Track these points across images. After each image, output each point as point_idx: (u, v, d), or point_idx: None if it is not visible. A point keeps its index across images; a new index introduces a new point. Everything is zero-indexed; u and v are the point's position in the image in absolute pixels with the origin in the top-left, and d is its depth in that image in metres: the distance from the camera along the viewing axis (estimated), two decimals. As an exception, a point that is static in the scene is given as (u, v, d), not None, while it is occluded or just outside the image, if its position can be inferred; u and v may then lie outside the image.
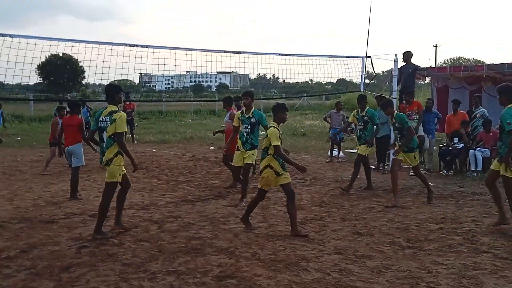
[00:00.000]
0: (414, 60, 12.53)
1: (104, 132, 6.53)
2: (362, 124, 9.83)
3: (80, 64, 64.63)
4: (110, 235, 6.63)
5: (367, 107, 9.92)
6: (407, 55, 12.76)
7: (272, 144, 6.55)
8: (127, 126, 18.01)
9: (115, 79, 10.26)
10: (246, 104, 8.52)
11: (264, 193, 7.01)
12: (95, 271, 5.39)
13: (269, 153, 6.64)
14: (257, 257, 5.78)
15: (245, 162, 8.53)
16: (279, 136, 6.61)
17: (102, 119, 6.59)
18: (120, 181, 6.68)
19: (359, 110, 9.92)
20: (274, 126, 6.72)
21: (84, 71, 65.74)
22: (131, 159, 6.63)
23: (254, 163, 9.07)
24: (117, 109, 6.61)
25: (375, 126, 9.81)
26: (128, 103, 18.62)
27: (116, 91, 6.72)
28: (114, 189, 6.75)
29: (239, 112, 8.74)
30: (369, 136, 9.70)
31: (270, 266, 5.48)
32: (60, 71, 61.84)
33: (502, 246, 6.19)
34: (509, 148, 6.63)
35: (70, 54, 61.60)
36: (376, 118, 9.83)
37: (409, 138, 8.60)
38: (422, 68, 13.95)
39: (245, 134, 8.46)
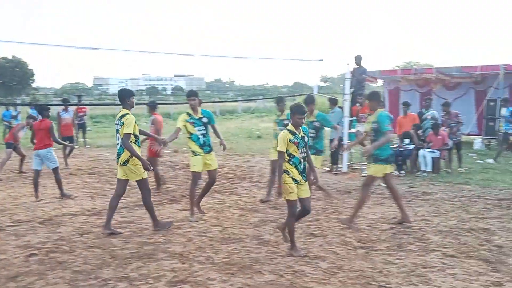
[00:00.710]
0: (370, 64, 12.81)
1: (118, 134, 6.85)
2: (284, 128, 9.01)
3: (29, 67, 63.33)
4: (169, 226, 7.16)
5: (286, 111, 8.71)
6: (358, 59, 13.02)
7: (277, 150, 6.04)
8: (79, 131, 17.90)
9: (67, 82, 10.14)
10: (193, 105, 7.79)
11: (296, 204, 6.02)
12: (44, 280, 5.25)
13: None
14: (211, 261, 5.76)
15: (212, 168, 7.90)
16: (291, 141, 5.92)
17: (116, 122, 6.93)
18: (146, 177, 6.99)
19: (279, 114, 9.05)
20: (288, 129, 6.05)
21: (34, 74, 64.42)
22: (139, 159, 6.76)
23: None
24: (128, 112, 6.85)
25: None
26: (80, 107, 18.28)
27: (127, 95, 6.95)
28: (148, 184, 7.07)
29: (185, 114, 7.88)
30: None
31: (224, 269, 5.47)
32: (9, 74, 60.18)
33: (450, 244, 6.37)
34: (376, 144, 7.09)
35: (18, 56, 60.27)
36: None
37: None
38: (367, 71, 14.08)
39: (201, 136, 7.78)
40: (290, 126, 6.10)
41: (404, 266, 5.58)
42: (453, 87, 18.37)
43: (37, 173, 9.35)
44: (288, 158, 5.96)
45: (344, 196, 9.48)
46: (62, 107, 14.15)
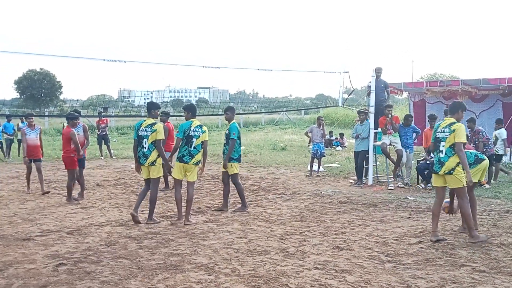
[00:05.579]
0: (393, 75, 12.76)
1: (145, 139, 8.32)
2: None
3: (58, 79, 64.51)
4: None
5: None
6: (378, 71, 12.94)
7: None
8: (101, 142, 18.36)
9: (93, 94, 10.26)
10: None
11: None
12: (72, 289, 5.30)
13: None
14: (237, 273, 5.74)
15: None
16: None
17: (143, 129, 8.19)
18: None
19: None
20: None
21: (62, 86, 65.55)
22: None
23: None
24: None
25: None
26: (102, 118, 18.77)
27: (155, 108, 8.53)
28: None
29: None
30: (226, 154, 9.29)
31: (250, 282, 5.45)
32: (37, 86, 61.39)
33: (479, 259, 6.25)
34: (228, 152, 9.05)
35: (46, 69, 61.45)
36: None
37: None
38: (387, 84, 13.93)
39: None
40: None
41: (433, 281, 5.48)
42: (480, 99, 18.12)
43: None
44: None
45: (370, 209, 9.38)
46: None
